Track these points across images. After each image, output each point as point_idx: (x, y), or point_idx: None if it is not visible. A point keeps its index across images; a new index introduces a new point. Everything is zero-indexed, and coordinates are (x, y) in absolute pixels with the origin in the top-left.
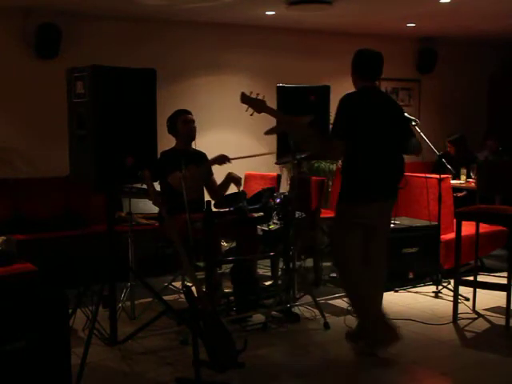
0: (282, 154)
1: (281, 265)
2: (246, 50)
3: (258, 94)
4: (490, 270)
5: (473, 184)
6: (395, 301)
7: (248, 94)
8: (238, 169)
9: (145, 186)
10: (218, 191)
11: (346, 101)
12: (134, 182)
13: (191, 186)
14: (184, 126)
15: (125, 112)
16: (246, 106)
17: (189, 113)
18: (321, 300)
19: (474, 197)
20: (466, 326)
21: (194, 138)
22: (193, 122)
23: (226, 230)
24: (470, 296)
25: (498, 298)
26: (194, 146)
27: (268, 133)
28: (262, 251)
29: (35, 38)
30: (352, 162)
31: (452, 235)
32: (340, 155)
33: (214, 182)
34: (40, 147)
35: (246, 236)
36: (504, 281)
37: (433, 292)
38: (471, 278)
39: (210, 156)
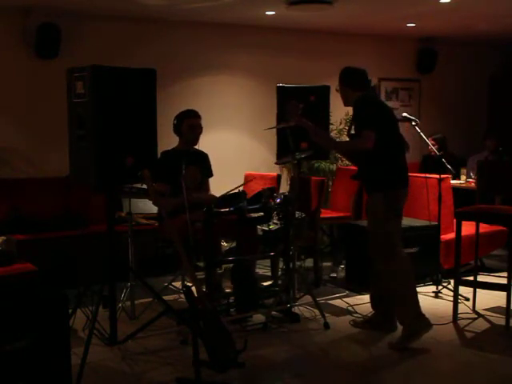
0: (282, 154)
1: (281, 265)
2: (246, 50)
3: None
4: (490, 270)
5: (473, 184)
6: None
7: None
8: (239, 169)
9: (145, 186)
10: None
11: (370, 98)
12: (134, 182)
13: (190, 186)
14: (189, 130)
15: (125, 112)
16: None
17: (197, 116)
18: (321, 300)
19: (473, 197)
20: (466, 326)
21: (196, 143)
22: (199, 126)
23: (226, 229)
24: (470, 296)
25: (498, 298)
26: (197, 146)
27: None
28: (261, 251)
29: (35, 38)
30: (387, 151)
31: (452, 235)
32: (372, 144)
33: (206, 183)
34: (40, 147)
35: (246, 236)
36: (504, 281)
37: (433, 292)
38: (471, 278)
39: (211, 156)
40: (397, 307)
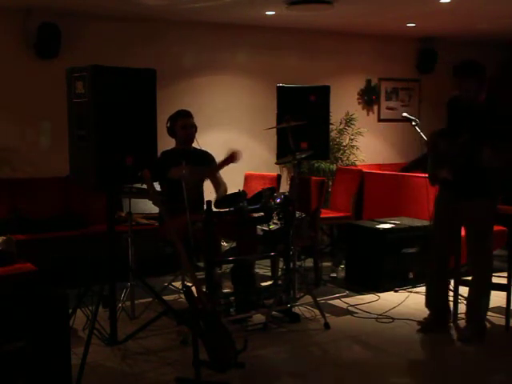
0: (282, 154)
1: (281, 265)
2: (246, 50)
3: None
4: None
5: None
6: (395, 301)
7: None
8: (239, 169)
9: (145, 186)
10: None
11: None
12: (134, 182)
13: (190, 184)
14: (182, 131)
15: (125, 112)
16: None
17: (189, 116)
18: (321, 300)
19: None
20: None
21: (191, 142)
22: (191, 126)
23: (226, 229)
24: None
25: (498, 298)
26: (198, 146)
27: None
28: (261, 251)
29: (35, 38)
30: None
31: None
32: None
33: (219, 178)
34: (40, 147)
35: (246, 236)
36: (504, 281)
37: None
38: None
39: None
40: (482, 307)
